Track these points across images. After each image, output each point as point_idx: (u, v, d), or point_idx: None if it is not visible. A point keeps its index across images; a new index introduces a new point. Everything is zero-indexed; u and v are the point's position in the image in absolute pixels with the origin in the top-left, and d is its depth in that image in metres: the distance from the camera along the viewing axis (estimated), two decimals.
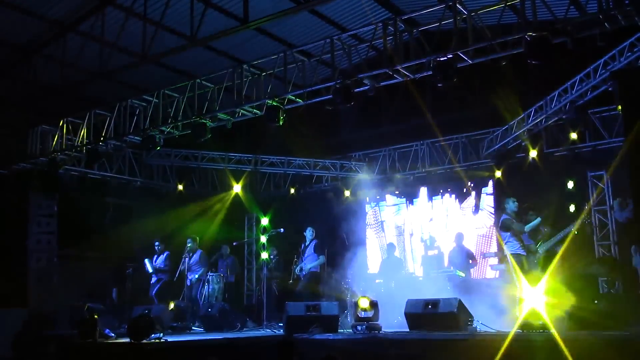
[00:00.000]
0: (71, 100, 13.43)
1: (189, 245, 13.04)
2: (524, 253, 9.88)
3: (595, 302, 8.21)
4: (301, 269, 12.34)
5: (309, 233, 12.51)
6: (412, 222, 15.30)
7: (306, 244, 12.44)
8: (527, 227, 9.89)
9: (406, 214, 15.44)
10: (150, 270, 13.26)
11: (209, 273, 13.29)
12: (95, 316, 9.47)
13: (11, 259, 13.09)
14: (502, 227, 10.08)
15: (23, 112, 13.58)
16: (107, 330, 9.64)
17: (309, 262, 12.23)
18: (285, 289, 12.96)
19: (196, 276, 13.09)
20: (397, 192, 15.41)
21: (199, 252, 13.25)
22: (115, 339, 9.53)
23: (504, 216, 10.16)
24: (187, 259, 12.95)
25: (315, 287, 12.05)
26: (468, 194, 14.53)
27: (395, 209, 15.57)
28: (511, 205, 10.14)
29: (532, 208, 10.47)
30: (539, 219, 9.88)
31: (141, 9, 10.94)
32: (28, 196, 13.45)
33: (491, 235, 14.08)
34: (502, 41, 8.82)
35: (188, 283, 13.04)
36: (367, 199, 15.91)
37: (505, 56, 8.98)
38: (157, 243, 13.39)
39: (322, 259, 12.31)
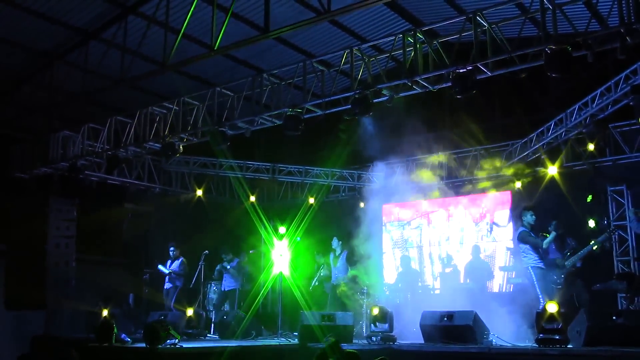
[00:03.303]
0: (92, 107, 13.60)
1: (224, 257, 13.35)
2: (544, 266, 9.78)
3: (614, 318, 8.11)
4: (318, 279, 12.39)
5: (335, 243, 12.51)
6: (430, 240, 15.27)
7: (336, 254, 12.39)
8: (545, 243, 9.78)
9: (426, 232, 15.39)
10: (166, 272, 13.27)
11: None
12: (113, 321, 9.55)
13: (30, 262, 13.25)
14: (520, 239, 9.99)
15: (45, 118, 13.77)
16: (124, 335, 9.71)
17: (341, 273, 12.23)
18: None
19: (231, 287, 13.30)
20: (418, 214, 15.41)
21: (236, 261, 13.38)
22: (131, 344, 9.59)
23: (521, 228, 10.06)
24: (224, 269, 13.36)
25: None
26: (483, 216, 14.48)
27: (418, 230, 15.54)
28: (529, 217, 10.03)
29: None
30: (554, 233, 9.77)
31: (163, 18, 11.06)
32: (48, 200, 13.61)
33: (495, 256, 14.03)
34: (522, 53, 8.80)
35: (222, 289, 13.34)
36: (395, 223, 15.90)
37: (525, 69, 8.96)
38: (172, 248, 13.35)
39: (353, 270, 12.31)
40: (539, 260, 9.77)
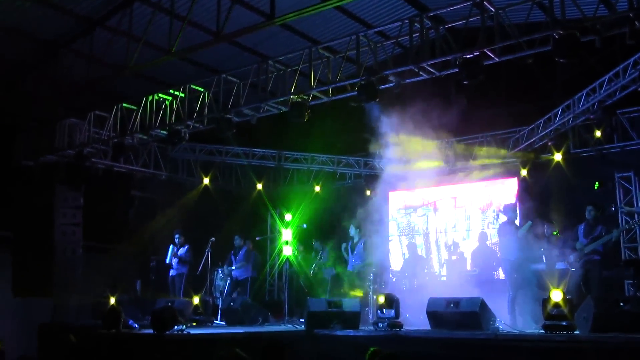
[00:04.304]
0: (98, 95, 13.59)
1: (236, 243, 13.39)
2: (514, 259, 10.01)
3: (621, 304, 8.08)
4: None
5: (352, 231, 12.45)
6: (437, 227, 15.25)
7: (355, 240, 12.41)
8: (520, 233, 9.93)
9: (432, 219, 15.38)
10: (167, 261, 13.28)
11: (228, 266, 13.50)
12: (120, 307, 9.60)
13: (37, 250, 13.31)
14: (500, 232, 10.26)
15: (51, 106, 13.77)
16: (131, 321, 9.76)
17: (359, 260, 12.19)
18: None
19: (243, 275, 13.34)
20: (425, 202, 15.38)
21: (245, 249, 13.40)
22: (139, 330, 9.64)
23: (504, 222, 10.33)
24: (233, 256, 13.40)
25: (360, 286, 12.06)
26: (490, 204, 14.44)
27: (424, 217, 15.52)
28: (511, 214, 10.35)
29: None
30: (529, 222, 9.93)
31: (168, 4, 11.02)
32: (54, 188, 13.64)
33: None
34: (529, 39, 8.74)
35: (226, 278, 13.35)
36: (402, 210, 15.86)
37: (532, 54, 8.90)
38: (177, 235, 13.36)
39: (370, 258, 12.17)
40: (512, 253, 10.00)
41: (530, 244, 10.18)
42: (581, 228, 10.24)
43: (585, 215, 10.20)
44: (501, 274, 13.32)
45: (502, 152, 13.55)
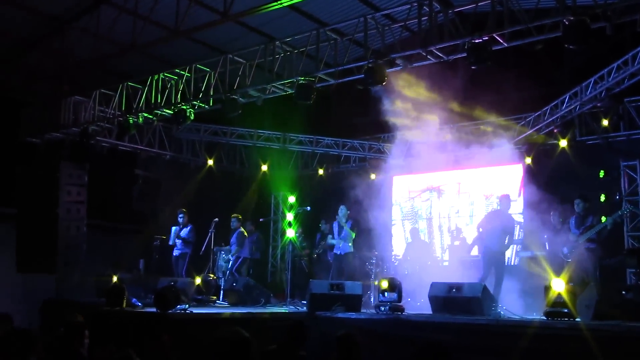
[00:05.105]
0: (104, 73, 13.55)
1: (232, 225, 13.34)
2: (493, 248, 10.30)
3: (623, 293, 8.10)
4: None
5: (342, 210, 12.36)
6: (440, 212, 15.24)
7: (342, 222, 12.34)
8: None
9: (436, 204, 15.37)
10: (171, 242, 13.33)
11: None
12: (123, 285, 9.66)
13: (41, 227, 13.35)
14: (490, 218, 10.49)
15: (56, 83, 13.74)
16: (134, 300, 9.81)
17: (346, 241, 12.16)
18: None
19: (228, 255, 13.30)
20: (429, 186, 15.37)
21: (238, 231, 13.43)
22: (142, 308, 9.70)
23: (495, 210, 10.47)
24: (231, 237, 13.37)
25: (349, 267, 12.05)
26: (494, 190, 14.41)
27: (428, 202, 15.52)
28: (506, 204, 10.68)
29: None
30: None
31: None
32: (59, 165, 13.64)
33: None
34: (539, 25, 8.66)
35: (228, 259, 13.34)
36: (405, 195, 15.85)
37: (541, 40, 8.83)
38: (180, 215, 13.25)
39: (352, 236, 12.17)
40: (495, 244, 10.32)
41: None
42: (572, 221, 10.25)
43: (574, 208, 10.26)
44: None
45: (508, 138, 13.49)
